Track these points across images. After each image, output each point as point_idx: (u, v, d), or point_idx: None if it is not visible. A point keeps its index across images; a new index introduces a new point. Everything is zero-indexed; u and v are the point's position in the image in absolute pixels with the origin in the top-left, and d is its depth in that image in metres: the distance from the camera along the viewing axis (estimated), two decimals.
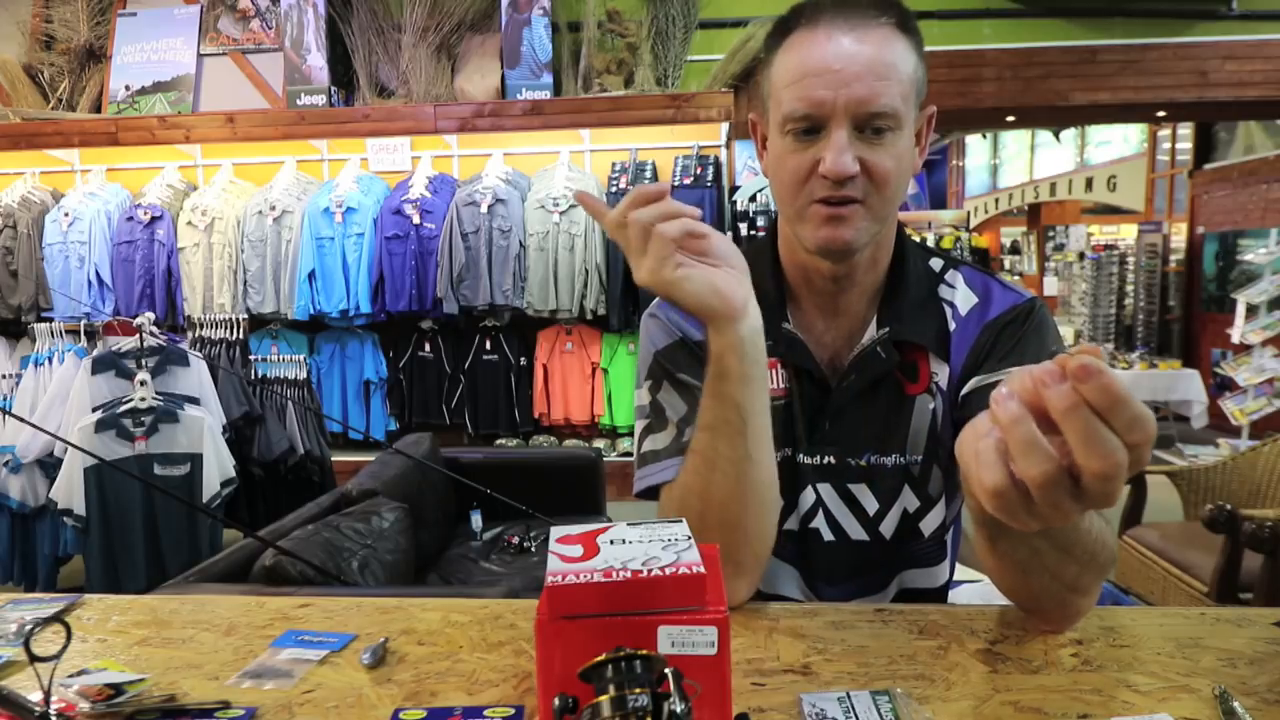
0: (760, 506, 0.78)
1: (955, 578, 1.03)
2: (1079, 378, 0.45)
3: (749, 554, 0.80)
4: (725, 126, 4.62)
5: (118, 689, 0.66)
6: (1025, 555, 0.70)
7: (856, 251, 0.86)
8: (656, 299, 1.01)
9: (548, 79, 4.65)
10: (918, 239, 1.06)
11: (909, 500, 0.94)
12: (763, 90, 0.89)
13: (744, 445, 0.74)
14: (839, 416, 0.93)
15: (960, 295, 0.94)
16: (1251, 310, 5.56)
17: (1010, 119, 5.98)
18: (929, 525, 0.95)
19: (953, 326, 0.93)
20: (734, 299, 0.72)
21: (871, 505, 0.94)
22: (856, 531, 0.95)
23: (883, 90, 0.79)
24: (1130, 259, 7.71)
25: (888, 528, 0.94)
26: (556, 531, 0.60)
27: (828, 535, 0.95)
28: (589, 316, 4.63)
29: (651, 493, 0.90)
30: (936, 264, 0.97)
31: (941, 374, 0.92)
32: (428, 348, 4.87)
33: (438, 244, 4.49)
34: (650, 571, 0.52)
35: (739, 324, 0.73)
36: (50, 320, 3.77)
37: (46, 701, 0.58)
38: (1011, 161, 11.98)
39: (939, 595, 1.00)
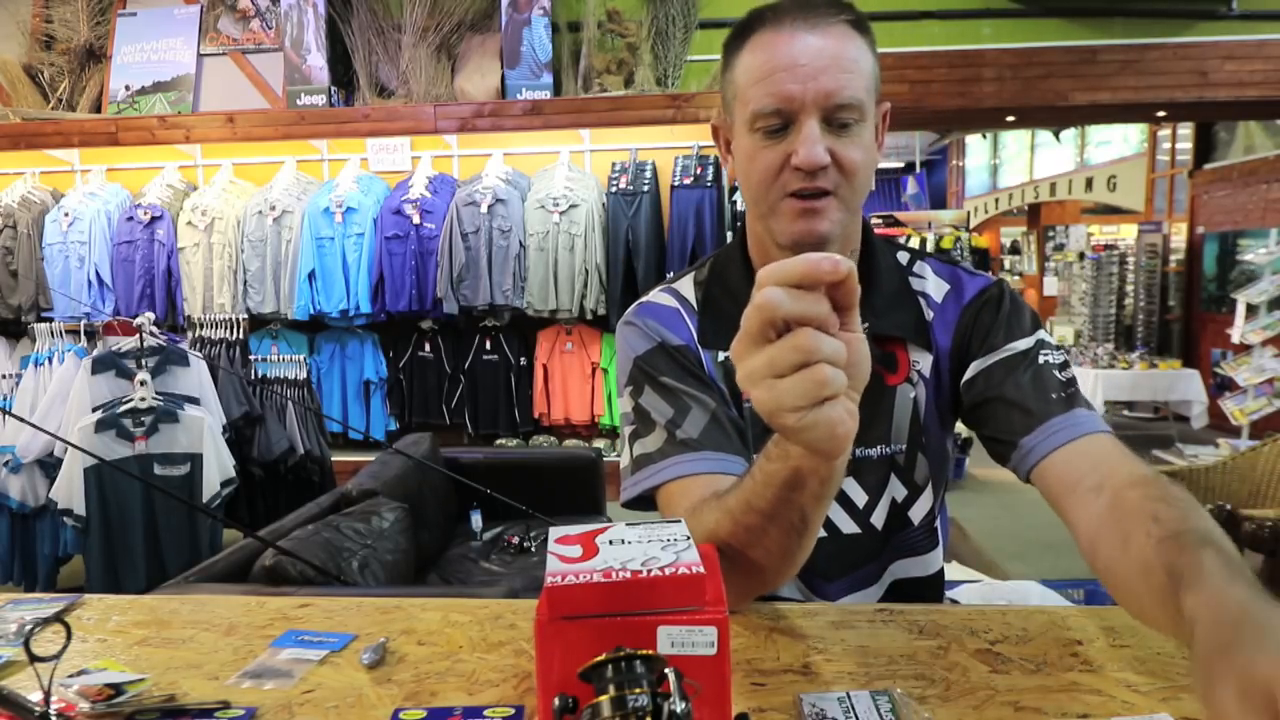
0: (793, 568, 0.76)
1: (955, 578, 1.03)
2: None
3: (761, 590, 0.80)
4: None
5: (118, 689, 0.66)
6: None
7: (830, 244, 0.86)
8: (633, 306, 1.01)
9: (548, 79, 4.65)
10: (916, 240, 1.07)
11: (896, 489, 0.96)
12: (725, 94, 0.90)
13: (798, 539, 0.71)
14: None
15: (932, 285, 0.97)
16: (1251, 310, 5.57)
17: (1010, 119, 5.98)
18: (918, 513, 0.97)
19: (930, 315, 0.95)
20: (846, 442, 0.59)
21: (860, 498, 0.95)
22: (848, 525, 0.95)
23: (847, 83, 0.81)
24: (1130, 259, 7.71)
25: (878, 518, 0.95)
26: (555, 532, 0.60)
27: (820, 531, 0.95)
28: (589, 316, 4.63)
29: (643, 500, 0.89)
30: (903, 257, 1.00)
31: (924, 362, 0.94)
32: (428, 348, 4.87)
33: (438, 244, 4.49)
34: (650, 572, 0.52)
35: (837, 460, 0.63)
36: (50, 320, 3.77)
37: (46, 701, 0.58)
38: (1011, 161, 11.98)
39: (933, 583, 1.00)
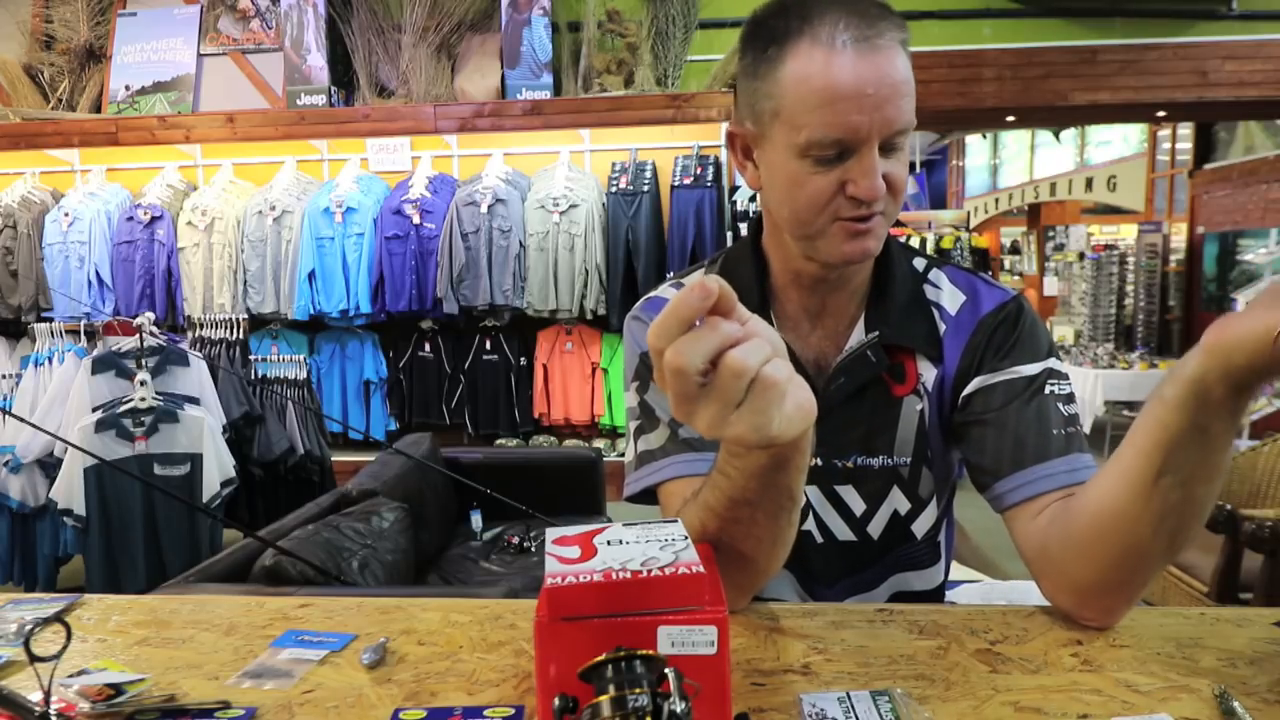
0: (785, 550, 0.75)
1: (955, 578, 1.03)
2: None
3: (758, 583, 0.80)
4: (725, 126, 4.61)
5: (118, 689, 0.66)
6: (1176, 499, 0.69)
7: (873, 257, 0.86)
8: (640, 300, 1.00)
9: (548, 79, 4.65)
10: (917, 240, 1.06)
11: (899, 502, 0.94)
12: (757, 105, 0.84)
13: (788, 517, 0.70)
14: (826, 419, 0.92)
15: (947, 295, 0.94)
16: None
17: (1010, 119, 5.99)
18: (921, 527, 0.95)
19: (943, 328, 0.92)
20: (814, 405, 0.59)
21: (858, 506, 0.94)
22: (843, 532, 0.95)
23: (906, 108, 0.79)
24: (1130, 259, 7.71)
25: (875, 528, 0.94)
26: (553, 533, 0.60)
27: (818, 537, 0.95)
28: (589, 316, 4.63)
29: (646, 495, 0.89)
30: (920, 263, 0.97)
31: (929, 375, 0.92)
32: (428, 348, 4.87)
33: (438, 244, 4.49)
34: (650, 572, 0.52)
35: (811, 427, 0.62)
36: (50, 320, 3.77)
37: (46, 701, 0.58)
38: (1011, 161, 11.99)
39: (935, 596, 1.00)
